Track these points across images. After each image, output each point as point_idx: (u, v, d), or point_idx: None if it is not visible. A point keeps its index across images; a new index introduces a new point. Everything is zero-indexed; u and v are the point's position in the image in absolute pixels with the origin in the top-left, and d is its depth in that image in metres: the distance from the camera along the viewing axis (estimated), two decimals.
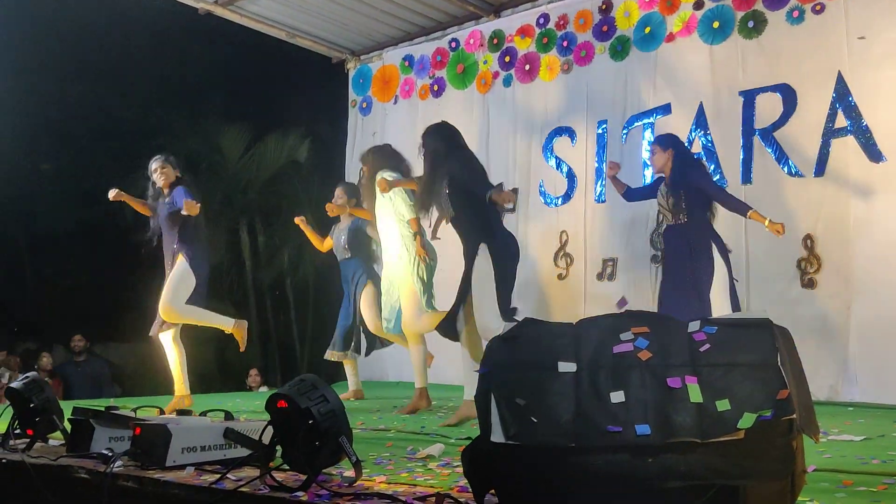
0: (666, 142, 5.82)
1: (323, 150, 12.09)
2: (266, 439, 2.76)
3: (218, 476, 2.76)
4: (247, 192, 12.89)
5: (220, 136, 12.24)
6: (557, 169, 7.75)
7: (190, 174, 12.05)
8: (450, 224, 5.13)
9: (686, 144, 6.36)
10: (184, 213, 5.65)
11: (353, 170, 9.52)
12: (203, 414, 3.51)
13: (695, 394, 2.05)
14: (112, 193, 5.89)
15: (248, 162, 12.71)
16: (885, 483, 2.67)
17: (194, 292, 5.85)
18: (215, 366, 5.98)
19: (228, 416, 3.39)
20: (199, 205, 5.72)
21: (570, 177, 7.65)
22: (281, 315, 13.13)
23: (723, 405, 2.02)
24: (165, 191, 5.99)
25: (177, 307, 5.79)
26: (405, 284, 5.59)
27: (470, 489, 2.30)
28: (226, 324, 5.95)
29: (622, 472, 2.07)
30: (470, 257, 4.92)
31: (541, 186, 7.83)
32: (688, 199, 5.51)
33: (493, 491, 2.27)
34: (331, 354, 6.69)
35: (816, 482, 2.63)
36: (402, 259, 5.62)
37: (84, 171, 12.73)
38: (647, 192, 6.10)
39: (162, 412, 3.79)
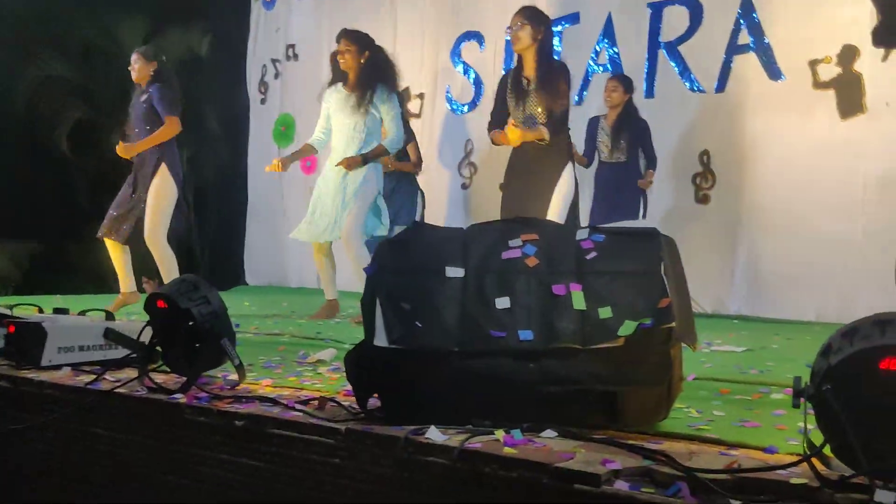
0: (630, 86, 6.25)
1: (225, 46, 11.61)
2: (146, 340, 2.68)
3: (95, 377, 2.67)
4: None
5: (117, 26, 11.59)
6: (465, 75, 7.64)
7: (88, 66, 11.49)
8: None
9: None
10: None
11: (255, 68, 9.22)
12: (82, 313, 3.38)
13: (578, 301, 2.06)
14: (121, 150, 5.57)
15: None
16: (760, 392, 2.76)
17: (176, 207, 5.55)
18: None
19: (109, 315, 3.28)
20: (178, 120, 5.48)
21: (478, 84, 7.54)
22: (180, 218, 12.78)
23: (605, 312, 2.03)
24: (142, 85, 5.62)
25: (161, 239, 5.44)
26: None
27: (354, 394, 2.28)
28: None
29: (504, 377, 2.08)
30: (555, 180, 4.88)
31: (447, 93, 7.71)
32: (629, 142, 6.12)
33: (376, 395, 2.26)
34: None
35: (695, 390, 2.70)
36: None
37: None
38: (591, 140, 6.38)
39: (40, 311, 3.64)
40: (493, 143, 5.13)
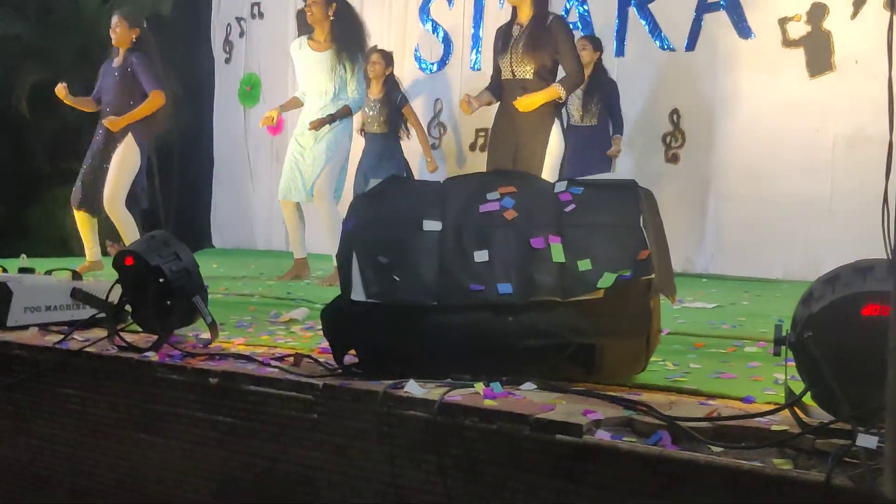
0: (599, 44, 6.12)
1: (188, 4, 11.37)
2: (115, 299, 2.62)
3: (62, 336, 2.62)
4: (106, 48, 12.04)
5: None
6: (433, 33, 7.53)
7: (45, 26, 11.18)
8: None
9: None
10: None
11: (219, 26, 9.04)
12: (48, 273, 3.31)
13: (557, 254, 2.04)
14: (59, 90, 5.45)
15: (106, 14, 11.83)
16: (734, 345, 2.78)
17: (138, 176, 5.48)
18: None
19: (76, 275, 3.21)
20: (163, 94, 5.38)
21: (447, 42, 7.45)
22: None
23: (584, 265, 2.02)
24: (121, 51, 5.49)
25: (119, 205, 5.40)
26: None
27: (331, 350, 2.25)
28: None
29: (483, 331, 2.06)
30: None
31: (416, 51, 7.61)
32: (600, 105, 6.00)
33: (353, 351, 2.23)
34: None
35: (670, 344, 2.71)
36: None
37: None
38: None
39: (5, 270, 3.55)
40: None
